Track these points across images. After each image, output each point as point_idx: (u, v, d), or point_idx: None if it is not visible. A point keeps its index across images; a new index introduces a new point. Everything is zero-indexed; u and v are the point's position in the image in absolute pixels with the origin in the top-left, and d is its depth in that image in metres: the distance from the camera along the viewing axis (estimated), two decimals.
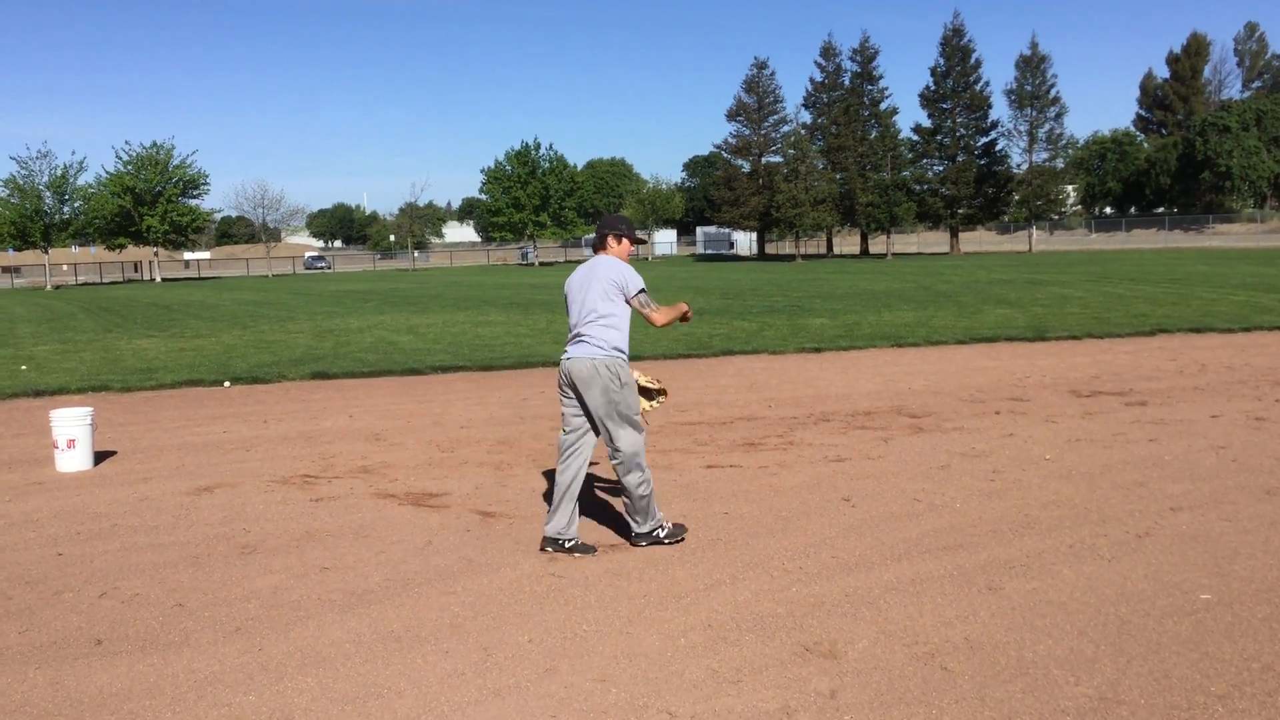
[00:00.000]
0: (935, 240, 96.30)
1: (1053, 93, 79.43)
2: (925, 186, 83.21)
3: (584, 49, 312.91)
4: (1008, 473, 7.77)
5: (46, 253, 68.46)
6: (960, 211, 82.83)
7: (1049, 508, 6.77)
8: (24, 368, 16.25)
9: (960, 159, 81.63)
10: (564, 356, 6.38)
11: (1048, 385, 12.07)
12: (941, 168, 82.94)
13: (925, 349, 16.33)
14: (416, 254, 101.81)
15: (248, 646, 4.76)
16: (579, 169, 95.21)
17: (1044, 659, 4.38)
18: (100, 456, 9.07)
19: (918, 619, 4.86)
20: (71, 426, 8.61)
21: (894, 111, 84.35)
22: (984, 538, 6.13)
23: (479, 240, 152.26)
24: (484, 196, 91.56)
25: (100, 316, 30.35)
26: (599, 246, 6.42)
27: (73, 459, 8.64)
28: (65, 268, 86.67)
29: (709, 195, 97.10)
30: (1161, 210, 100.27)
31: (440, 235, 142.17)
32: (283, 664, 4.55)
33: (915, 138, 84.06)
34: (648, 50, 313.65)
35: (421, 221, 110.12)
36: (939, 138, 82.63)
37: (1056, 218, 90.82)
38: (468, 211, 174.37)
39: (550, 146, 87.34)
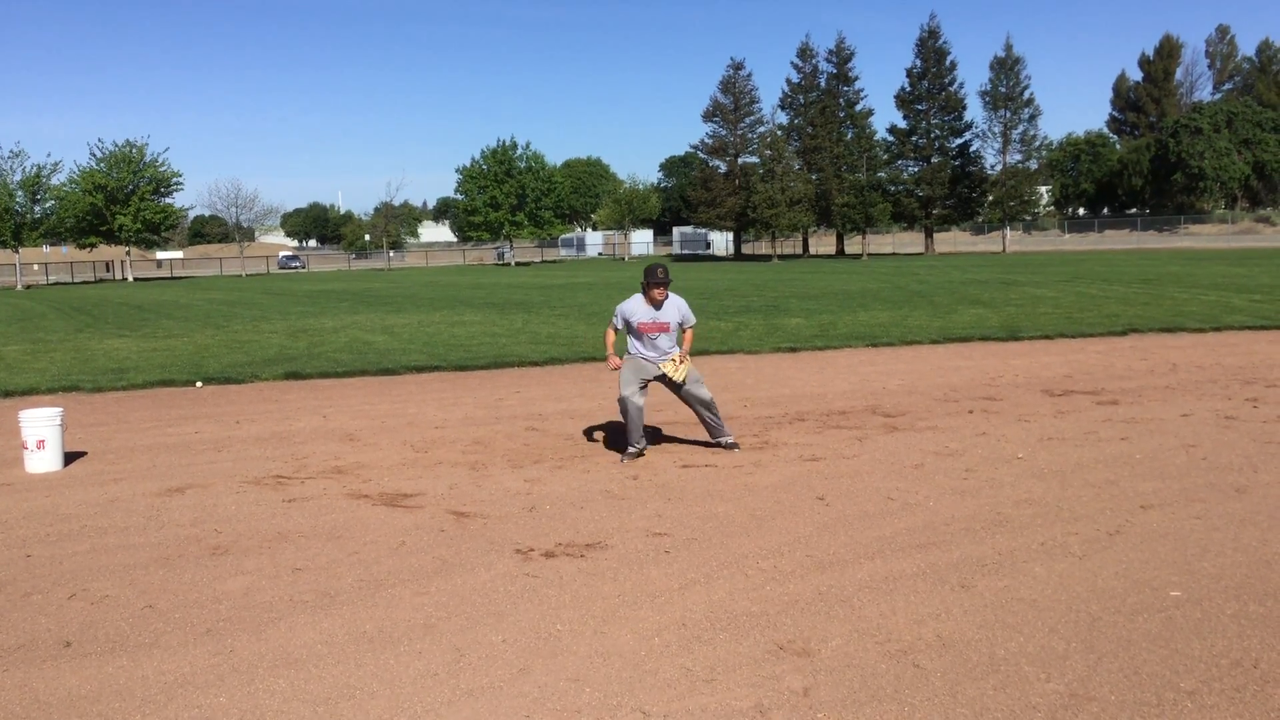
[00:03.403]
0: (910, 241, 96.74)
1: (1026, 94, 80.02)
2: (900, 187, 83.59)
3: (560, 48, 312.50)
4: (980, 471, 7.81)
5: (17, 252, 67.67)
6: (935, 212, 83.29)
7: (1021, 506, 6.81)
8: None
9: (935, 160, 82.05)
10: None
11: (1020, 384, 12.15)
12: (917, 169, 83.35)
13: (900, 348, 16.40)
14: (392, 254, 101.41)
15: (219, 648, 4.73)
16: (556, 168, 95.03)
17: (1015, 656, 4.40)
18: (70, 457, 8.98)
19: (891, 617, 4.88)
20: (41, 427, 8.52)
21: (870, 113, 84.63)
22: (957, 536, 6.16)
23: (455, 240, 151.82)
24: (460, 196, 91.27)
25: (71, 316, 30.05)
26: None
27: (42, 460, 8.56)
28: (36, 267, 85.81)
29: (685, 195, 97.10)
30: (1134, 211, 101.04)
31: (416, 235, 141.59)
32: (254, 665, 4.52)
33: (891, 139, 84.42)
34: (624, 50, 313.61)
35: (397, 221, 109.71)
36: (914, 139, 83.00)
37: (1030, 219, 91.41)
38: (443, 211, 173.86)
39: (528, 145, 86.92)
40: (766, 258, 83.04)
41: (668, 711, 3.98)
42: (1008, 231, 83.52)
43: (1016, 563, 5.64)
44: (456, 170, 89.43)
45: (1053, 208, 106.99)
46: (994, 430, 9.42)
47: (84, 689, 4.32)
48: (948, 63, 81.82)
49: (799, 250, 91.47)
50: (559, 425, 10.27)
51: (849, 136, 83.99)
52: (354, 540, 6.43)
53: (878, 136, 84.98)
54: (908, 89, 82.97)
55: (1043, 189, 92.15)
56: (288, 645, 4.75)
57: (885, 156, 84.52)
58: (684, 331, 8.77)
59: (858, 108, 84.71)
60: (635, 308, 8.54)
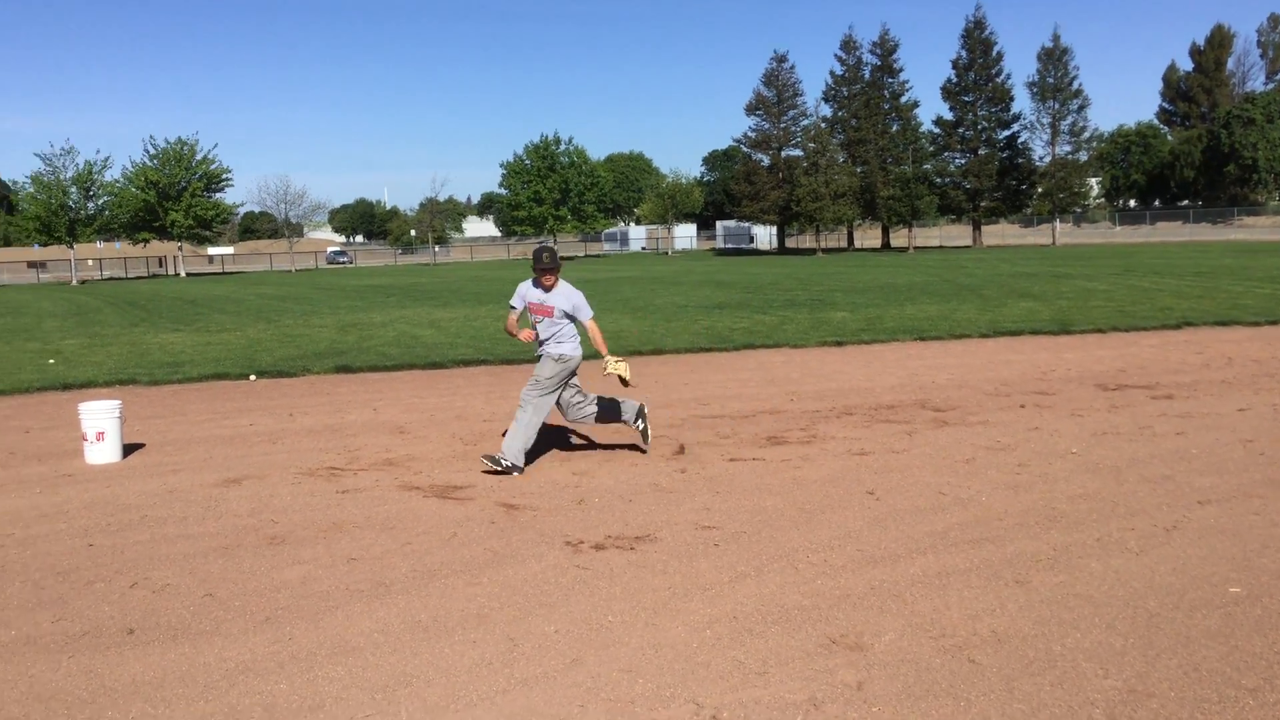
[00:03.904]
0: (957, 233, 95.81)
1: (1075, 85, 78.81)
2: (947, 179, 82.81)
3: (603, 44, 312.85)
4: (1033, 466, 7.74)
5: (72, 248, 69.00)
6: (982, 204, 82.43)
7: (1076, 501, 6.75)
8: (52, 361, 16.41)
9: (982, 152, 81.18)
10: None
11: (1073, 379, 12.02)
12: (963, 160, 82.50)
13: (948, 342, 16.27)
14: (437, 249, 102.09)
15: (278, 636, 4.81)
16: (599, 163, 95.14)
17: (1072, 652, 4.37)
18: (129, 449, 9.16)
19: (944, 612, 4.86)
20: (101, 419, 8.69)
21: (915, 104, 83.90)
22: (1010, 531, 6.12)
23: (499, 235, 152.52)
24: (504, 191, 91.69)
25: (126, 311, 30.58)
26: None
27: (102, 451, 8.73)
28: (90, 263, 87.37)
29: (728, 189, 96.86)
30: (1186, 203, 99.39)
31: (460, 230, 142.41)
32: (313, 653, 4.59)
33: (937, 130, 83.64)
34: (667, 45, 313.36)
35: (442, 216, 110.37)
36: (961, 130, 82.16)
37: (1080, 211, 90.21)
38: (487, 206, 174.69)
39: (570, 140, 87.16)
40: (810, 251, 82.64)
41: (721, 703, 3.99)
42: (1057, 224, 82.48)
43: (1072, 558, 5.59)
44: (500, 165, 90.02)
45: (1103, 200, 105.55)
46: (1047, 425, 9.33)
47: (147, 675, 4.42)
48: (994, 53, 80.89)
49: (843, 244, 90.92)
50: None
51: (894, 129, 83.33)
52: (406, 531, 6.51)
53: (923, 129, 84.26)
54: (954, 80, 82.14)
55: (1093, 181, 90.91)
56: (345, 633, 4.82)
57: (931, 149, 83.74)
58: (584, 326, 8.40)
59: (903, 100, 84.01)
60: (528, 289, 8.33)
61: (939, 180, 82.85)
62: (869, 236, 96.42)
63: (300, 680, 4.32)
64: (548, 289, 8.20)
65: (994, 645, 4.46)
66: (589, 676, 4.28)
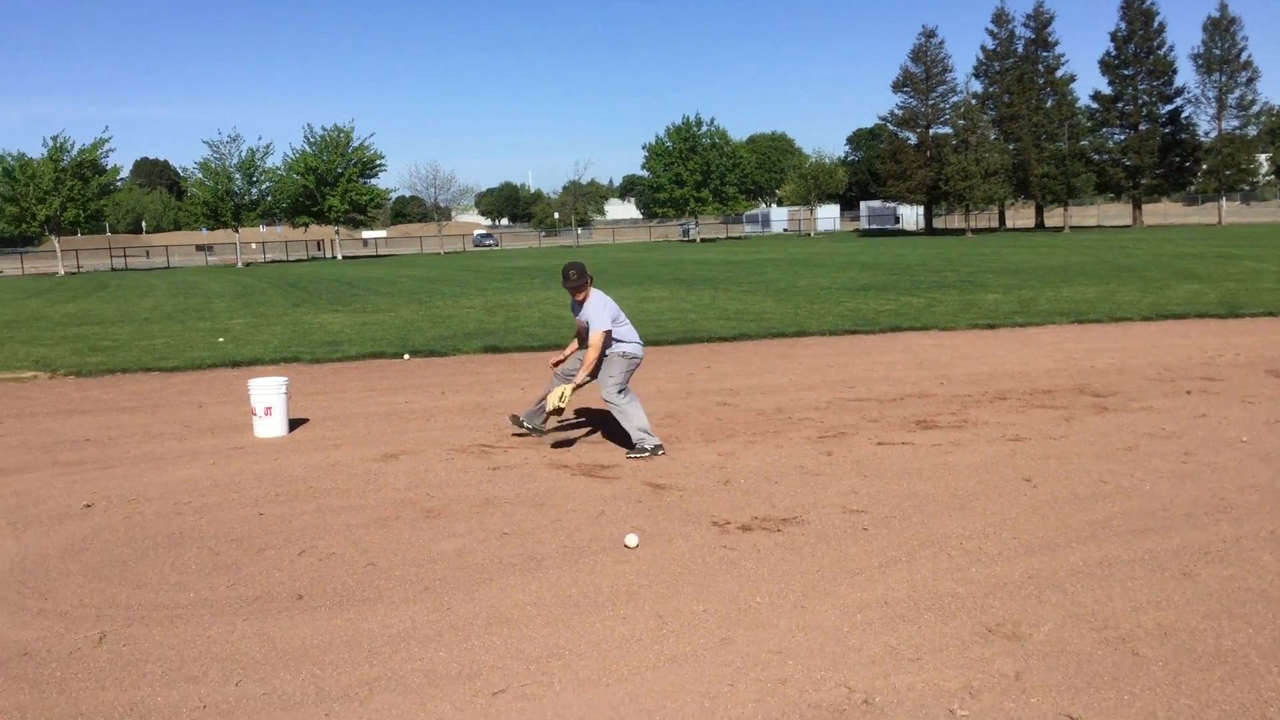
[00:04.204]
0: (1116, 213, 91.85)
1: (1243, 56, 74.33)
2: (1105, 156, 79.29)
3: (747, 23, 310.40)
4: (1201, 455, 7.40)
5: (237, 232, 72.30)
6: (1143, 182, 78.70)
7: (1246, 491, 6.43)
8: (221, 340, 17.28)
9: (1143, 127, 77.46)
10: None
11: (1242, 364, 11.42)
12: (1123, 137, 78.89)
13: (1108, 325, 15.66)
14: (580, 231, 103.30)
15: (436, 605, 4.98)
16: (741, 144, 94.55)
17: (1244, 647, 4.18)
18: (294, 424, 9.58)
19: (1106, 603, 4.70)
20: (269, 395, 9.12)
21: (1071, 79, 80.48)
22: (1176, 522, 5.87)
23: (640, 217, 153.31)
24: (645, 173, 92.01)
25: (288, 292, 31.94)
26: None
27: (270, 425, 9.16)
28: (254, 246, 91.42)
29: (873, 169, 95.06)
30: None
31: (602, 212, 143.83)
32: (470, 622, 4.74)
33: (1094, 106, 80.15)
34: (811, 22, 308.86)
35: (584, 199, 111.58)
36: (1120, 105, 78.55)
37: (1248, 189, 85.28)
38: (629, 188, 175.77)
39: (712, 121, 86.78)
40: (960, 232, 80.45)
41: (873, 688, 3.96)
42: (1224, 202, 78.15)
43: (1243, 551, 5.33)
44: (643, 148, 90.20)
45: (1273, 177, 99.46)
46: (1214, 412, 8.90)
47: (316, 639, 4.63)
48: (1155, 24, 77.00)
49: (994, 224, 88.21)
50: (750, 400, 10.29)
51: (1049, 104, 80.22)
52: (556, 508, 6.64)
53: (1080, 104, 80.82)
54: (1113, 53, 78.54)
55: (1262, 157, 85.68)
56: (499, 605, 4.95)
57: (1088, 124, 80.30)
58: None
59: (1058, 74, 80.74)
60: (572, 304, 8.39)
61: (1096, 157, 79.39)
62: (1021, 216, 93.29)
63: (458, 648, 4.46)
64: (580, 304, 8.23)
65: (1159, 638, 4.30)
66: (738, 656, 4.30)
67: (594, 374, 8.19)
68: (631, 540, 5.77)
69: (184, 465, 8.16)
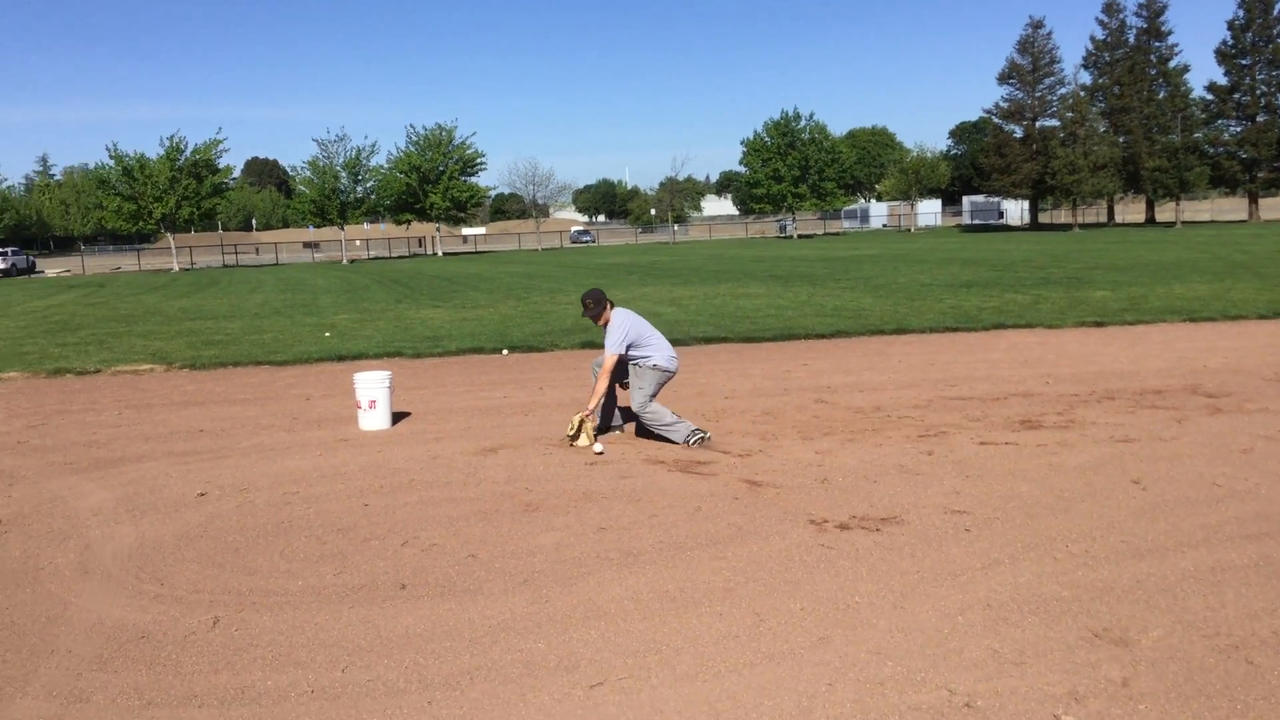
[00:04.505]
0: (1231, 207, 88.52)
1: None
2: (1220, 149, 76.59)
3: (847, 15, 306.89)
4: None
5: (342, 229, 74.08)
6: (1260, 176, 75.78)
7: None
8: (328, 334, 17.74)
9: (1261, 119, 74.60)
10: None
11: None
12: (1239, 129, 76.10)
13: (1222, 324, 15.12)
14: (676, 227, 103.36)
15: (535, 597, 5.05)
16: (840, 139, 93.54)
17: None
18: (397, 417, 9.79)
19: (1219, 610, 4.55)
20: (373, 388, 9.34)
21: (1185, 69, 77.94)
22: None
23: (736, 213, 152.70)
24: (742, 169, 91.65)
25: (390, 288, 32.63)
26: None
27: (374, 418, 9.38)
28: (358, 243, 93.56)
29: (977, 163, 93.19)
30: None
31: (699, 209, 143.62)
32: (568, 615, 4.80)
33: (1209, 97, 77.43)
34: (913, 13, 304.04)
35: (681, 195, 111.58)
36: (1237, 96, 75.79)
37: None
38: (725, 185, 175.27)
39: (811, 116, 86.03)
40: (1066, 227, 78.42)
41: (975, 691, 3.89)
42: None
43: None
44: (740, 143, 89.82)
45: None
46: None
47: (418, 628, 4.73)
48: (1276, 12, 73.95)
49: (1102, 219, 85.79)
50: (848, 398, 10.19)
51: (1161, 95, 77.74)
52: (652, 504, 6.66)
53: (1194, 95, 78.12)
54: (1229, 42, 75.82)
55: None
56: (597, 599, 5.00)
57: (1203, 116, 77.63)
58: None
59: (1171, 64, 78.29)
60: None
61: (1211, 150, 76.70)
62: (1131, 211, 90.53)
63: (556, 640, 4.52)
64: (603, 328, 8.52)
65: (1275, 647, 4.15)
66: (836, 656, 4.27)
67: (612, 392, 8.66)
68: (598, 448, 5.80)
69: (292, 456, 8.41)
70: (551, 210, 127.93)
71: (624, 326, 8.41)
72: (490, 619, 4.79)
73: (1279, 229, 55.36)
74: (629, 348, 8.40)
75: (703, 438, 8.25)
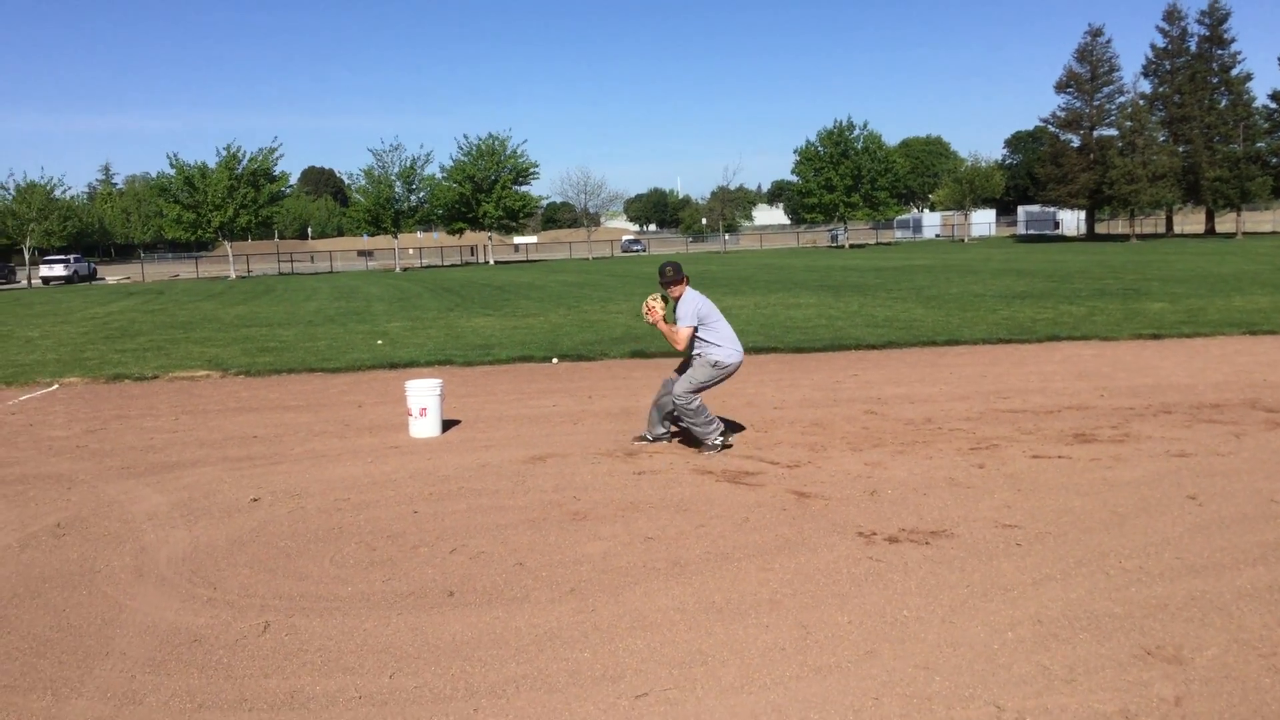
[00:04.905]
0: None
1: None
2: None
3: (900, 23, 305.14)
4: None
5: (395, 237, 74.87)
6: None
7: None
8: (380, 342, 17.94)
9: None
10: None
11: None
12: None
13: None
14: (727, 237, 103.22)
15: (581, 606, 5.07)
16: (894, 148, 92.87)
17: None
18: (447, 424, 9.88)
19: (1276, 629, 4.46)
20: (424, 396, 9.43)
21: (1248, 77, 76.31)
22: None
23: (788, 222, 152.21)
24: (794, 178, 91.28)
25: (442, 296, 32.91)
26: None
27: (424, 426, 9.47)
28: (411, 251, 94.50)
29: (1032, 172, 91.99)
30: None
31: (750, 218, 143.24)
32: (614, 625, 4.81)
33: (1273, 105, 75.80)
34: (969, 22, 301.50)
35: (732, 205, 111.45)
36: None
37: None
38: (776, 194, 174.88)
39: (865, 125, 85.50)
40: (1124, 237, 77.22)
41: (1024, 708, 3.85)
42: None
43: None
44: (793, 152, 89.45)
45: None
46: None
47: (465, 635, 4.77)
48: None
49: (1161, 229, 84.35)
50: (898, 410, 10.11)
51: (1222, 104, 76.26)
52: (700, 514, 6.66)
53: (1257, 104, 76.54)
54: None
55: None
56: (643, 609, 5.01)
57: (1266, 125, 75.98)
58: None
59: (1234, 72, 76.69)
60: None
61: (1274, 160, 75.07)
62: (1191, 221, 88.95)
63: (602, 650, 4.53)
64: (677, 300, 8.57)
65: None
66: (884, 670, 4.24)
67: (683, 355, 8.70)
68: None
69: (344, 463, 8.51)
70: (603, 219, 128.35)
71: (695, 302, 8.50)
72: (536, 627, 4.82)
73: None
74: (698, 326, 8.45)
75: (727, 446, 8.44)
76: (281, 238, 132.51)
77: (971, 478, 7.35)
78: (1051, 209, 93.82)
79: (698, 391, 8.41)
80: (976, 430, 9.00)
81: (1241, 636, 4.41)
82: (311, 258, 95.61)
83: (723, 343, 8.47)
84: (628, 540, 6.14)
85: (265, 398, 12.25)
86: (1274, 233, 75.85)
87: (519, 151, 77.25)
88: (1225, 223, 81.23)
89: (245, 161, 66.60)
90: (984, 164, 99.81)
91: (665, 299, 8.65)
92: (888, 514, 6.51)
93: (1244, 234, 72.63)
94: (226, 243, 69.36)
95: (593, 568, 5.65)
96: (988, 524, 6.20)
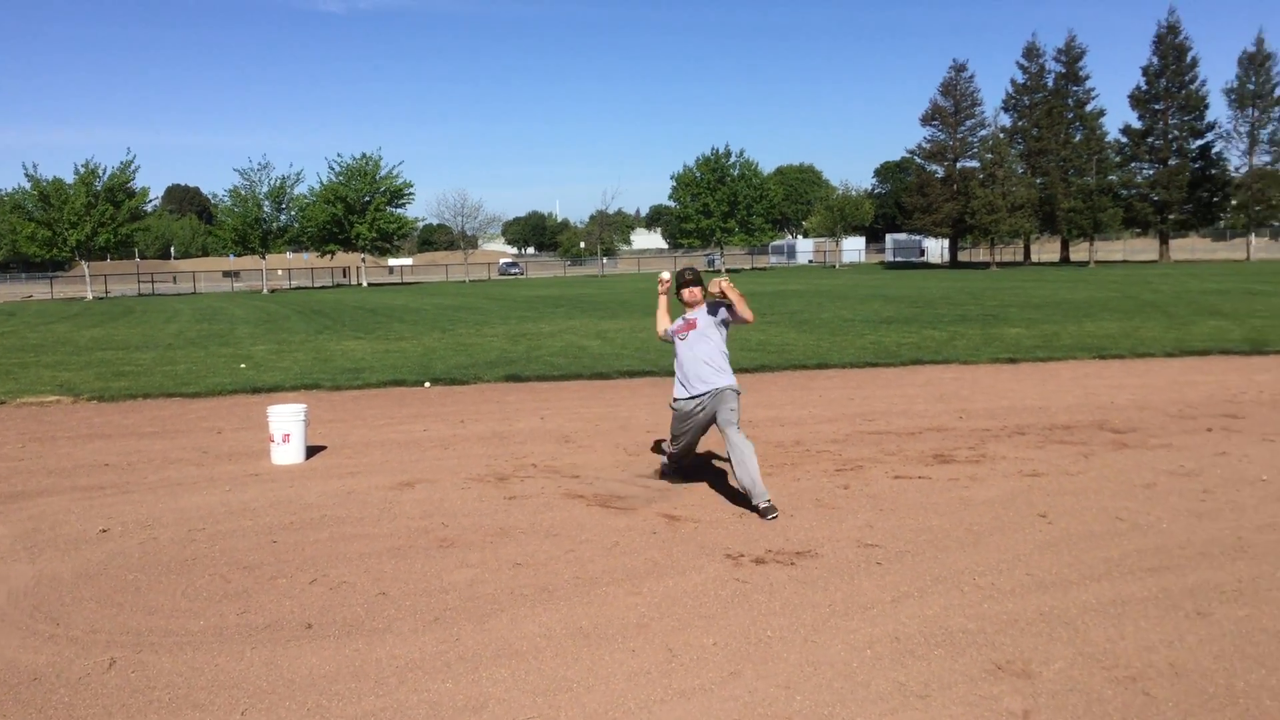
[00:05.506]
0: (1143, 248, 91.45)
1: (1277, 92, 74.06)
2: (1133, 191, 79.03)
3: (776, 54, 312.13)
4: (1220, 493, 7.33)
5: (264, 258, 72.97)
6: (1171, 217, 78.31)
7: (1265, 531, 6.35)
8: (243, 366, 17.41)
9: (1173, 162, 77.19)
10: None
11: (1266, 402, 11.31)
12: (1152, 171, 78.63)
13: (1130, 361, 15.55)
14: (605, 260, 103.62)
15: (446, 636, 4.98)
16: (768, 175, 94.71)
17: (1255, 689, 4.12)
18: (312, 451, 9.63)
19: (1118, 642, 4.66)
20: (287, 422, 9.18)
21: (1101, 113, 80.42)
22: (1192, 560, 5.81)
23: (665, 247, 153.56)
24: (673, 203, 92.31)
25: (312, 319, 32.17)
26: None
27: (287, 452, 9.22)
28: (280, 272, 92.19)
29: (900, 201, 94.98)
30: None
31: (628, 242, 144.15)
32: (478, 654, 4.74)
33: (1124, 140, 79.98)
34: (841, 55, 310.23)
35: (611, 229, 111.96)
36: (1150, 140, 78.36)
37: (1278, 224, 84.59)
38: (655, 219, 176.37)
39: (741, 153, 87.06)
40: (985, 265, 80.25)
41: None
42: (1253, 238, 77.61)
43: (1259, 591, 5.27)
44: (671, 178, 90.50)
45: None
46: (1235, 450, 8.81)
47: (324, 668, 4.64)
48: (1188, 59, 76.91)
49: (1019, 257, 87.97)
50: (768, 432, 10.26)
51: (1077, 138, 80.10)
52: (570, 539, 6.63)
53: (1109, 138, 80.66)
54: (1144, 88, 78.48)
55: None
56: (509, 637, 4.95)
57: (1117, 159, 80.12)
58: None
59: (1088, 108, 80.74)
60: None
61: (1124, 192, 79.14)
62: (1047, 250, 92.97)
63: (465, 680, 4.46)
64: (690, 305, 7.75)
65: (1171, 678, 4.25)
66: (746, 691, 4.28)
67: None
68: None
69: (201, 491, 8.22)
70: (480, 242, 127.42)
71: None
72: (398, 659, 4.72)
73: (1188, 269, 57.28)
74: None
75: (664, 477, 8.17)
76: (143, 257, 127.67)
77: (837, 498, 7.50)
78: (918, 237, 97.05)
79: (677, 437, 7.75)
80: (843, 452, 9.19)
81: (1086, 650, 4.59)
82: (174, 278, 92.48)
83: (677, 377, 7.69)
84: (496, 567, 6.07)
85: (119, 424, 11.76)
86: (1124, 261, 79.80)
87: (394, 172, 76.27)
88: (1079, 251, 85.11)
89: (105, 178, 64.06)
90: (854, 193, 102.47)
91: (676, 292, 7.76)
92: (755, 536, 6.59)
93: (1096, 262, 76.22)
94: (84, 262, 66.53)
95: (459, 596, 5.57)
96: (851, 544, 6.33)
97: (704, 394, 7.44)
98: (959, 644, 4.69)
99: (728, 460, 7.40)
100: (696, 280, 7.73)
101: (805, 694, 4.22)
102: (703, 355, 7.50)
